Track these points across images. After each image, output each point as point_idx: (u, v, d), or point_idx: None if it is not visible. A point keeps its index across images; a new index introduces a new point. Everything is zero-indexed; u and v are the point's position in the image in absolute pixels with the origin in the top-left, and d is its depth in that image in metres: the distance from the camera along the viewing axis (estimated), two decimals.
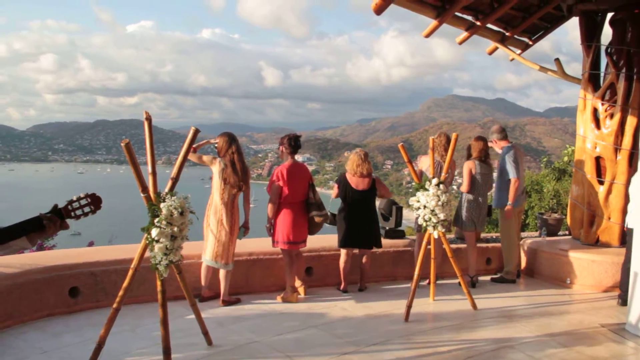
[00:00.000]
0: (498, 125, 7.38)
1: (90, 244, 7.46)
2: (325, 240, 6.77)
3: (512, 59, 8.74)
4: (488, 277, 7.21)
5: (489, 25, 8.07)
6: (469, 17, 7.76)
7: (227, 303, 5.63)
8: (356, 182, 6.32)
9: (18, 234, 2.57)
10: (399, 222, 7.16)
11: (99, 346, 3.99)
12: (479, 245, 7.25)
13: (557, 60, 8.27)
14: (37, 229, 2.57)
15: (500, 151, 7.08)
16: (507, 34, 8.42)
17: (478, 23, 7.76)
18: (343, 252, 6.37)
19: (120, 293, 4.06)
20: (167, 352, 3.95)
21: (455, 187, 7.03)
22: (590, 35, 7.55)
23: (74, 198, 2.66)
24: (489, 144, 7.03)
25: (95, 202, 2.69)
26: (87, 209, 2.67)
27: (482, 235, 7.84)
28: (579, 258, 6.90)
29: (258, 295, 6.01)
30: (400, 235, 7.21)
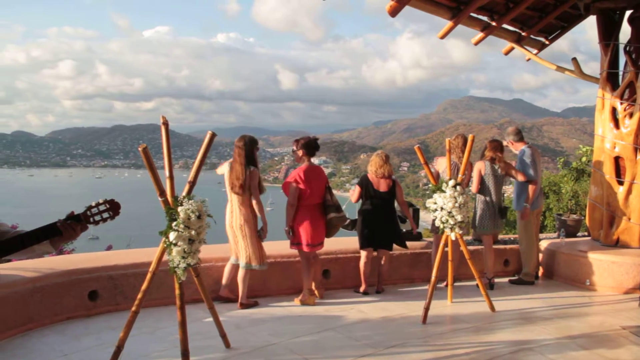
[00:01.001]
0: (514, 127, 7.33)
1: (109, 248, 7.55)
2: (342, 242, 6.77)
3: (529, 59, 8.66)
4: (506, 279, 7.15)
5: (505, 26, 8.00)
6: (484, 18, 7.71)
7: (244, 306, 5.65)
8: (377, 183, 6.37)
9: (41, 238, 2.61)
10: (415, 224, 7.12)
11: (118, 349, 4.02)
12: (497, 246, 7.19)
13: (574, 59, 8.17)
14: (58, 234, 2.62)
15: (517, 152, 7.04)
16: (523, 34, 8.35)
17: (493, 23, 7.71)
18: (363, 253, 6.37)
19: (139, 296, 4.09)
20: (185, 354, 3.98)
21: (471, 188, 7.00)
22: (608, 33, 7.46)
23: (93, 204, 2.70)
24: (504, 144, 6.99)
25: (113, 208, 2.72)
26: (105, 215, 2.70)
27: (500, 236, 7.78)
28: (598, 259, 6.81)
29: (275, 298, 6.03)
30: (418, 237, 7.18)
